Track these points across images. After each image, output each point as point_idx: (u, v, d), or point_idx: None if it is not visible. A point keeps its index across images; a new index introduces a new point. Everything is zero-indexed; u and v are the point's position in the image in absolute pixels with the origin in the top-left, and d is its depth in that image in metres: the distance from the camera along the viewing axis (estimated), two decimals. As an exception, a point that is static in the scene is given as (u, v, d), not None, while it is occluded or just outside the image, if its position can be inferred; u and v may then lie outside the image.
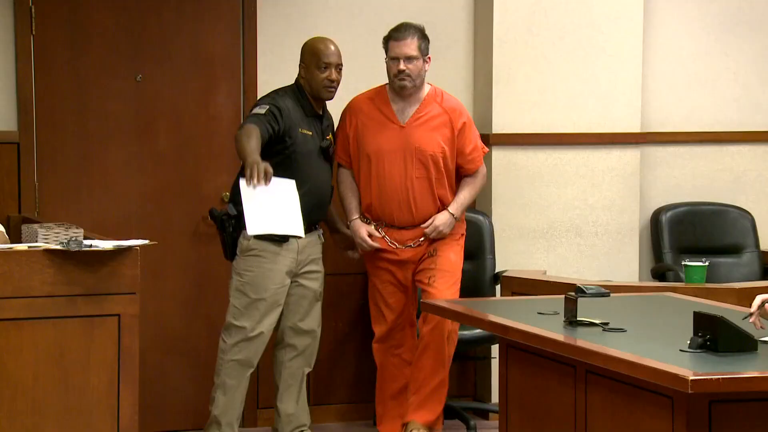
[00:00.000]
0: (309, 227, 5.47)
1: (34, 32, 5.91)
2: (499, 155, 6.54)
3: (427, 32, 6.49)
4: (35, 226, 4.70)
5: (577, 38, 6.61)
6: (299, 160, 5.42)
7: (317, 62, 5.54)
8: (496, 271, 6.36)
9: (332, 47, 5.61)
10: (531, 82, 6.57)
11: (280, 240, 5.36)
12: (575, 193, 6.68)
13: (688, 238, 6.88)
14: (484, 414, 6.41)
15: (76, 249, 4.44)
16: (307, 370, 5.75)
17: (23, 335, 4.42)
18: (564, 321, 3.85)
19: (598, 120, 6.70)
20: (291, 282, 5.56)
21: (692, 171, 7.03)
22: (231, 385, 5.49)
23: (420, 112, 5.62)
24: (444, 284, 5.62)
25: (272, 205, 5.13)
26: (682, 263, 5.63)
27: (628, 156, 6.76)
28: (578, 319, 3.81)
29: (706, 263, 5.49)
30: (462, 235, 5.82)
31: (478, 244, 6.39)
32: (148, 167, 6.10)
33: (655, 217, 6.91)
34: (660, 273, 6.72)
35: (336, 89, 5.62)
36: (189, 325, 6.22)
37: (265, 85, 6.21)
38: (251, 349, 5.47)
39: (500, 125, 6.53)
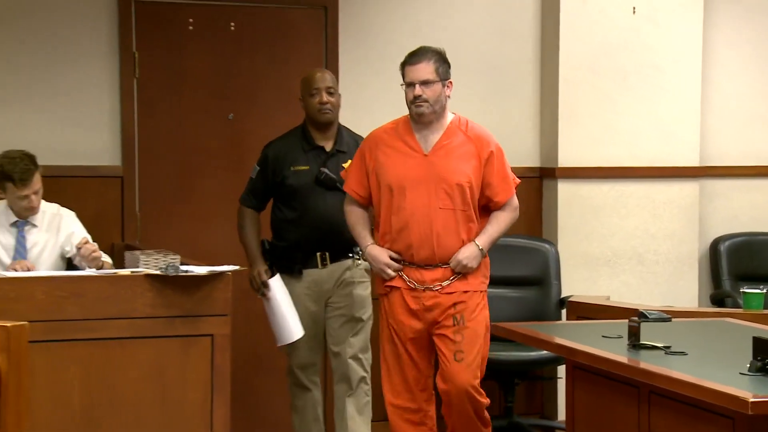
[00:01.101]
0: (335, 255, 5.30)
1: (137, 75, 5.97)
2: (564, 187, 6.50)
3: (496, 72, 6.56)
4: (137, 252, 4.73)
5: (639, 78, 6.57)
6: (295, 195, 5.24)
7: (309, 90, 5.30)
8: (562, 296, 6.30)
9: (319, 74, 5.37)
10: (595, 119, 6.52)
11: (298, 272, 5.30)
12: (637, 223, 6.61)
13: (745, 266, 6.79)
14: (550, 430, 6.34)
15: (174, 274, 4.47)
16: (349, 392, 5.37)
17: (126, 353, 4.46)
18: (627, 344, 3.79)
19: (659, 155, 6.63)
20: (326, 308, 5.37)
21: (749, 202, 6.96)
22: (298, 406, 5.42)
23: (444, 140, 4.80)
24: (473, 361, 4.73)
25: (284, 308, 5.27)
26: (741, 290, 5.50)
27: (688, 188, 6.68)
28: (641, 342, 3.74)
29: (764, 290, 5.37)
30: (485, 289, 4.89)
31: (544, 271, 6.35)
32: (238, 198, 6.12)
33: (714, 246, 6.83)
34: (719, 299, 6.63)
35: (332, 111, 5.30)
36: (274, 345, 6.21)
37: (344, 122, 6.21)
38: (298, 373, 5.38)
39: (566, 159, 6.48)
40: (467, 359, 4.68)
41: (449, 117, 4.85)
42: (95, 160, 5.95)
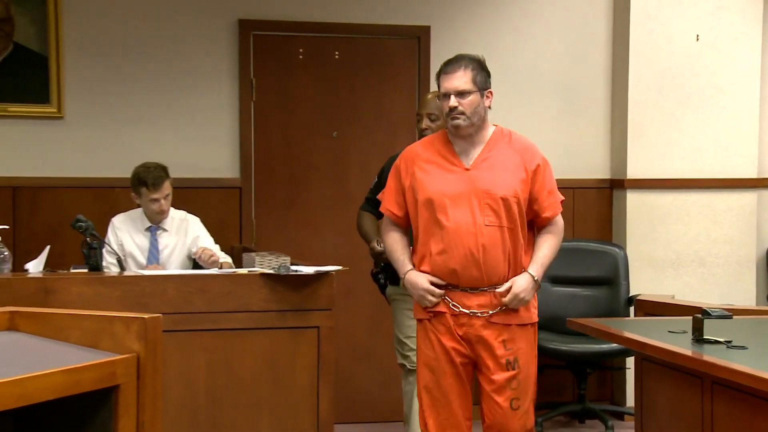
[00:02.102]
0: None
1: (254, 99, 6.05)
2: (632, 197, 6.44)
3: (571, 93, 6.53)
4: (253, 254, 4.78)
5: (701, 98, 6.48)
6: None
7: (418, 111, 4.88)
8: (630, 295, 6.23)
9: (427, 97, 4.88)
10: (660, 135, 6.45)
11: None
12: (699, 230, 6.52)
13: (799, 268, 6.66)
14: (619, 415, 6.27)
15: (285, 273, 4.51)
16: None
17: (244, 342, 4.50)
18: (692, 339, 3.72)
19: (719, 167, 6.53)
20: None
21: (804, 211, 6.82)
22: (408, 391, 4.97)
23: (486, 152, 3.96)
24: (529, 406, 4.01)
25: None
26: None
27: (746, 198, 6.57)
28: (704, 337, 3.68)
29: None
30: (536, 320, 4.07)
31: (614, 272, 6.30)
32: (341, 206, 6.16)
33: (770, 251, 6.74)
34: (774, 299, 6.52)
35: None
36: (373, 336, 6.24)
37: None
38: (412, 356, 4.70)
39: (634, 172, 6.41)
40: (524, 405, 3.95)
41: (491, 129, 4.04)
42: (217, 173, 6.04)
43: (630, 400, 6.13)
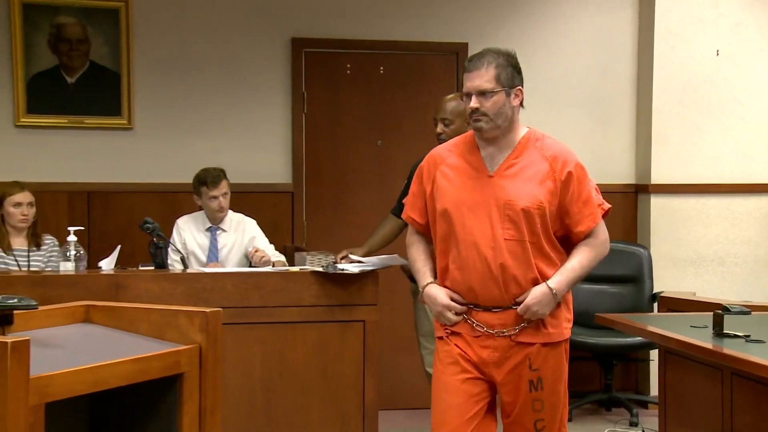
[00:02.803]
0: None
1: (305, 111, 6.07)
2: (656, 201, 6.40)
3: (599, 104, 6.51)
4: (304, 253, 4.80)
5: (721, 108, 6.43)
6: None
7: (433, 117, 4.61)
8: (654, 292, 6.19)
9: (441, 103, 4.58)
10: (683, 143, 6.39)
11: None
12: (718, 231, 6.46)
13: (814, 267, 6.55)
14: (644, 404, 6.22)
15: (333, 272, 4.52)
16: None
17: (296, 335, 4.51)
18: (712, 333, 3.68)
19: (738, 173, 6.47)
20: None
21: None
22: None
23: (513, 158, 3.27)
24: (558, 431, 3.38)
25: None
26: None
27: (763, 202, 6.50)
28: (724, 331, 3.64)
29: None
30: (568, 336, 3.37)
31: (639, 271, 6.26)
32: (384, 209, 6.13)
33: (786, 251, 6.63)
34: (790, 296, 6.42)
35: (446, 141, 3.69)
36: (413, 330, 6.22)
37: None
38: None
39: (658, 177, 6.37)
40: (550, 428, 3.34)
41: (522, 131, 3.34)
42: (271, 179, 6.06)
43: (653, 390, 6.09)
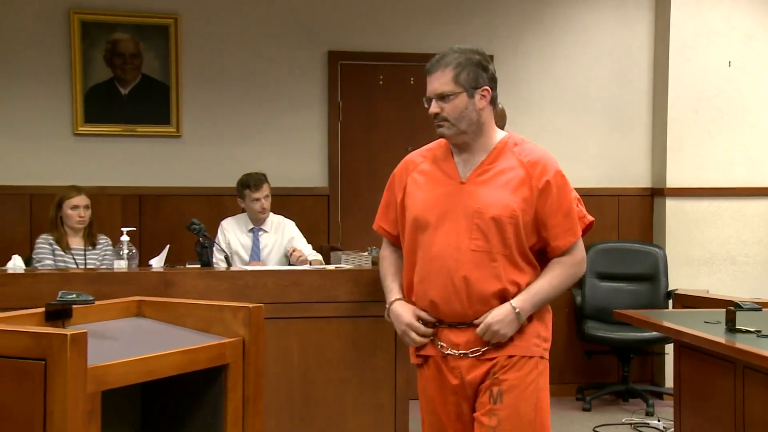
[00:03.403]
0: None
1: (341, 119, 6.08)
2: (671, 203, 6.35)
3: (617, 112, 6.50)
4: (339, 252, 4.79)
5: (733, 116, 6.39)
6: None
7: None
8: (669, 289, 6.14)
9: None
10: (696, 149, 6.35)
11: None
12: (730, 232, 6.40)
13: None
14: (659, 395, 6.17)
15: (368, 268, 4.51)
16: None
17: (332, 329, 4.49)
18: (725, 328, 3.64)
19: (749, 177, 6.42)
20: None
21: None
22: None
23: (487, 164, 2.79)
24: None
25: None
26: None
27: (774, 204, 6.46)
28: (736, 327, 3.60)
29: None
30: (542, 354, 2.84)
31: (655, 269, 6.22)
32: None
33: (795, 251, 6.56)
34: (799, 293, 6.35)
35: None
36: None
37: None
38: None
39: (673, 181, 6.32)
40: None
41: (499, 135, 2.85)
42: (309, 183, 6.08)
43: (668, 382, 6.04)
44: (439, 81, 2.80)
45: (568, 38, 6.38)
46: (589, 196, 6.33)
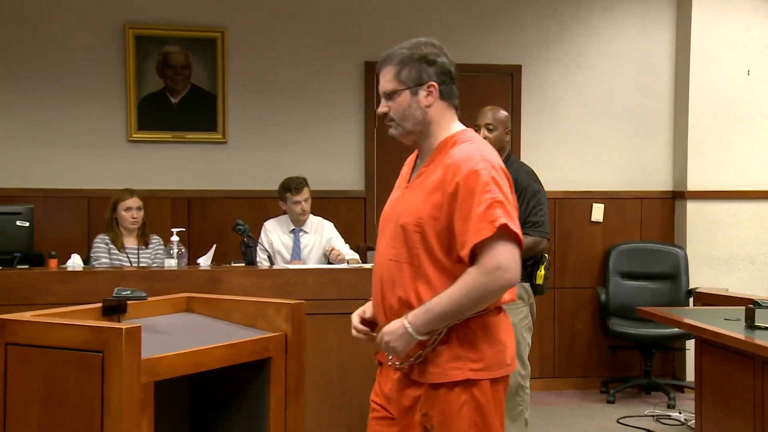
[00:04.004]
0: None
1: (376, 126, 6.07)
2: (692, 206, 6.27)
3: (640, 119, 6.45)
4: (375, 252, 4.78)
5: (751, 122, 6.30)
6: None
7: (473, 125, 4.19)
8: (690, 288, 6.08)
9: (482, 111, 4.32)
10: (716, 154, 6.27)
11: None
12: (749, 233, 6.31)
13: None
14: (680, 389, 6.10)
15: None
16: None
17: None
18: (744, 325, 3.60)
19: (767, 181, 6.32)
20: None
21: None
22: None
23: (425, 166, 2.47)
24: None
25: None
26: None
27: (792, 206, 6.38)
28: (755, 324, 3.55)
29: None
30: (472, 377, 2.35)
31: (676, 269, 6.18)
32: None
33: (812, 251, 6.45)
34: (815, 292, 6.25)
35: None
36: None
37: (526, 158, 6.18)
38: None
39: (694, 184, 6.24)
40: None
41: (444, 134, 2.48)
42: (346, 186, 6.08)
43: (689, 376, 5.98)
44: (384, 79, 2.50)
45: (591, 49, 6.34)
46: (612, 199, 6.31)
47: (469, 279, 2.29)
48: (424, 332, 2.34)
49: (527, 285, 4.23)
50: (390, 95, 2.48)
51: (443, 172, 2.37)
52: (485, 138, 4.13)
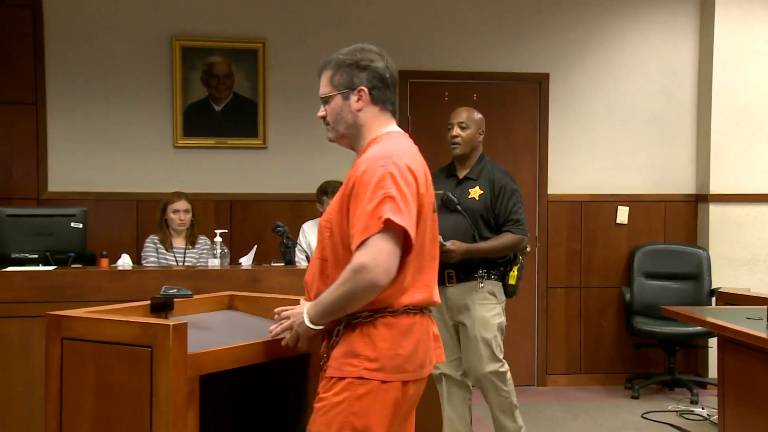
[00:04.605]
0: (460, 275, 3.98)
1: (410, 131, 6.03)
2: (714, 209, 6.19)
3: (663, 125, 6.38)
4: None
5: (773, 128, 6.20)
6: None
7: (447, 124, 4.18)
8: (712, 288, 6.01)
9: (456, 110, 4.18)
10: (738, 159, 6.18)
11: None
12: (771, 235, 6.22)
13: None
14: (703, 385, 6.04)
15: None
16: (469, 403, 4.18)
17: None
18: (766, 324, 3.54)
19: (789, 184, 6.26)
20: (458, 325, 4.07)
21: None
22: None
23: (351, 168, 2.38)
24: None
25: None
26: None
27: (812, 208, 6.25)
28: (777, 323, 3.50)
29: None
30: (359, 375, 2.24)
31: (699, 269, 6.11)
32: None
33: (832, 253, 6.34)
34: (835, 292, 6.14)
35: (460, 144, 4.11)
36: (509, 317, 6.18)
37: (552, 166, 6.13)
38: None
39: (716, 188, 6.17)
40: None
41: (370, 138, 2.43)
42: (381, 189, 6.07)
43: (712, 373, 5.91)
44: (321, 83, 2.48)
45: (617, 58, 6.28)
46: (637, 202, 6.25)
47: (342, 277, 2.22)
48: (318, 323, 2.29)
49: (500, 285, 4.07)
50: (325, 99, 2.45)
51: (351, 172, 2.32)
52: (457, 136, 4.04)
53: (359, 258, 2.18)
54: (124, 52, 5.81)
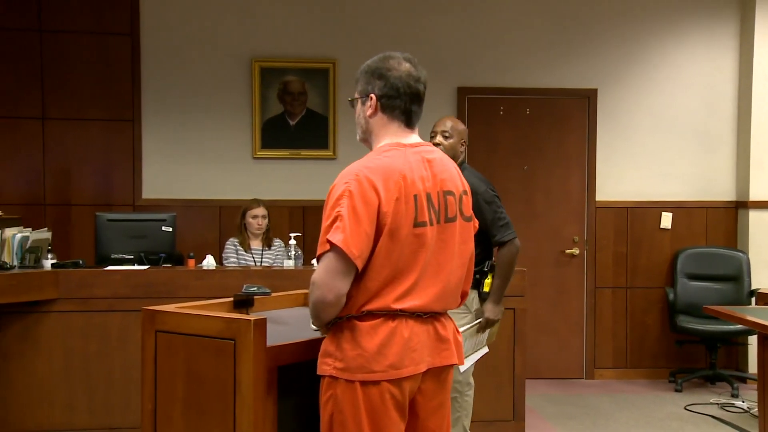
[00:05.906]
0: None
1: (467, 144, 6.02)
2: (754, 214, 6.02)
3: (705, 135, 6.22)
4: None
5: (812, 138, 5.99)
6: None
7: (430, 133, 3.79)
8: (752, 288, 5.83)
9: (440, 119, 3.80)
10: (778, 167, 6.01)
11: None
12: (809, 239, 6.01)
13: None
14: (743, 380, 5.87)
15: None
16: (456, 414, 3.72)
17: (458, 317, 4.45)
18: (805, 324, 3.44)
19: (827, 191, 6.02)
20: None
21: None
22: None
23: None
24: None
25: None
26: None
27: None
28: (816, 324, 3.39)
29: None
30: (334, 374, 2.19)
31: (739, 271, 5.94)
32: (529, 221, 6.07)
33: None
34: None
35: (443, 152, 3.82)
36: (553, 315, 6.11)
37: (601, 180, 6.03)
38: None
39: (755, 195, 6.00)
40: None
41: (382, 142, 2.33)
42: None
43: (752, 368, 5.75)
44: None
45: (661, 73, 6.15)
46: (680, 208, 6.11)
47: (311, 293, 2.16)
48: (315, 325, 2.26)
49: (475, 292, 3.73)
50: (352, 104, 2.38)
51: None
52: (438, 144, 3.67)
53: (313, 276, 2.14)
54: (210, 74, 5.92)
